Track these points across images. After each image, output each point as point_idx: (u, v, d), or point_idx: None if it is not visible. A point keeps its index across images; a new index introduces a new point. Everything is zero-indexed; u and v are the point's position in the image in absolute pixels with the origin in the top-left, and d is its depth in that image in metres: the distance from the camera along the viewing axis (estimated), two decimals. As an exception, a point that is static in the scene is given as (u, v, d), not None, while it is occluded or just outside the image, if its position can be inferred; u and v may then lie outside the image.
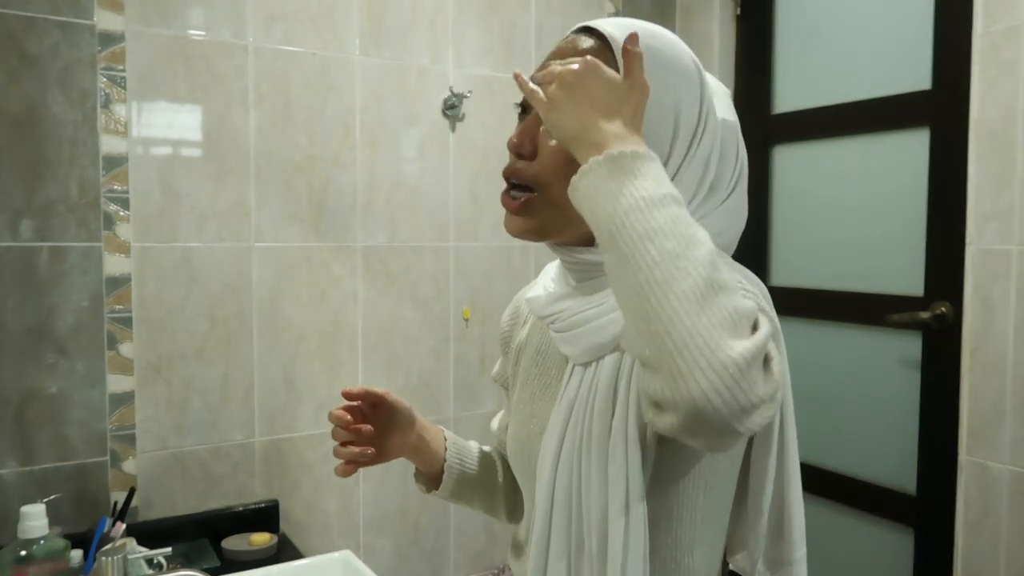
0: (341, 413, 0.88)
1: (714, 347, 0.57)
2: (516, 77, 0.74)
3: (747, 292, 0.71)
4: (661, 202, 0.63)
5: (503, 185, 0.81)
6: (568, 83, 0.69)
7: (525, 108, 0.82)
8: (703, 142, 0.77)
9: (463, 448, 1.00)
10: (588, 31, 0.79)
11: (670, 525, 0.76)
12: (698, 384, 0.57)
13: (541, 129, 0.78)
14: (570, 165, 0.71)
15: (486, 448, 1.04)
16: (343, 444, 0.88)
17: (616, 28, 0.77)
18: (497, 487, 1.02)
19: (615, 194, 0.64)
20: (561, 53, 0.79)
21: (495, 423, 1.06)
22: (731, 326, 0.59)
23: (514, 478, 1.00)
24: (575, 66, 0.70)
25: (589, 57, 0.70)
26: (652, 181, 0.64)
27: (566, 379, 0.79)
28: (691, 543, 0.77)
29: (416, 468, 0.99)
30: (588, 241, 0.77)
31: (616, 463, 0.72)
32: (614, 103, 0.69)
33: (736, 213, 0.83)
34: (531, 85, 0.72)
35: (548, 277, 0.88)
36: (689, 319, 0.58)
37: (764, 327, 0.61)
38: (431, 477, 0.98)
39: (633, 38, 0.70)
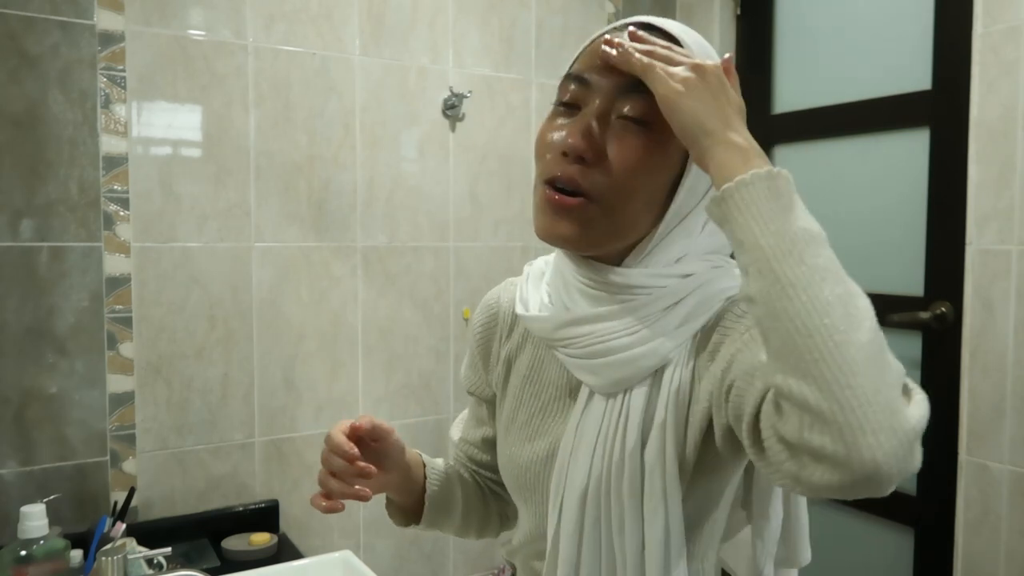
0: (349, 445, 0.75)
1: (897, 410, 0.53)
2: (612, 43, 0.67)
3: None
4: (823, 241, 0.59)
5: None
6: (709, 74, 0.65)
7: (570, 105, 0.73)
8: None
9: (440, 476, 0.91)
10: (651, 28, 0.73)
11: (692, 537, 0.76)
12: (881, 446, 0.52)
13: (602, 137, 0.71)
14: (647, 179, 0.68)
15: (449, 465, 0.95)
16: (331, 474, 0.76)
17: (682, 31, 0.74)
18: (472, 509, 0.93)
19: (781, 218, 0.58)
20: (617, 46, 0.69)
21: (456, 433, 0.99)
22: (903, 388, 0.55)
23: (477, 494, 0.94)
24: (710, 62, 0.66)
25: (723, 62, 0.67)
26: (807, 215, 0.60)
27: (582, 406, 0.75)
28: (705, 551, 0.77)
29: (388, 499, 0.91)
30: (618, 260, 0.74)
31: (654, 498, 0.70)
32: (738, 117, 0.65)
33: None
34: (647, 60, 0.66)
35: (540, 290, 0.82)
36: (870, 377, 0.53)
37: (918, 391, 0.57)
38: (408, 509, 0.91)
39: (729, 59, 0.68)
